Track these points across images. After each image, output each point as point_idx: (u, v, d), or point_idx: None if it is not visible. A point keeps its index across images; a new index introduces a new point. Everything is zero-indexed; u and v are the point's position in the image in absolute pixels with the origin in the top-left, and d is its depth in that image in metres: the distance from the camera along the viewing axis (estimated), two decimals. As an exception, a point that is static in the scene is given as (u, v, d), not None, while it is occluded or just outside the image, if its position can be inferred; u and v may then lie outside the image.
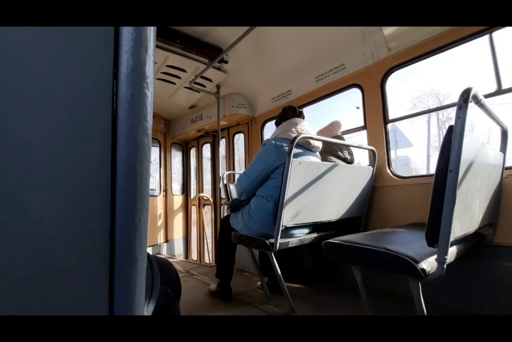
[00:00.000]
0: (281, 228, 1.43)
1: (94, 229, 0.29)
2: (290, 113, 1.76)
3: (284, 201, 1.40)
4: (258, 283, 2.01)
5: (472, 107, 0.89)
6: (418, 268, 0.91)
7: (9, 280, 0.24)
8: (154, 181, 3.90)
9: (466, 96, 0.86)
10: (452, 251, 1.04)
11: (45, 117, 0.26)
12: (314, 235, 1.68)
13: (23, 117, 0.24)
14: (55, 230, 0.27)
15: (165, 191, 4.00)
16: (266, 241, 1.47)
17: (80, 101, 0.28)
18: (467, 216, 1.05)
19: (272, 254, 1.50)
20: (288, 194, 1.41)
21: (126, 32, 0.28)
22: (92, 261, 0.29)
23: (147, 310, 0.59)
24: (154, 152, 3.92)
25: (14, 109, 0.24)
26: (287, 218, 1.46)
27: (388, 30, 1.86)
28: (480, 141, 1.06)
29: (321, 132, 2.12)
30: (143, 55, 0.30)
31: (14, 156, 0.24)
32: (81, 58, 0.28)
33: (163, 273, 0.67)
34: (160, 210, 3.90)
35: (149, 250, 3.65)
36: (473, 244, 1.30)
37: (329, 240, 1.21)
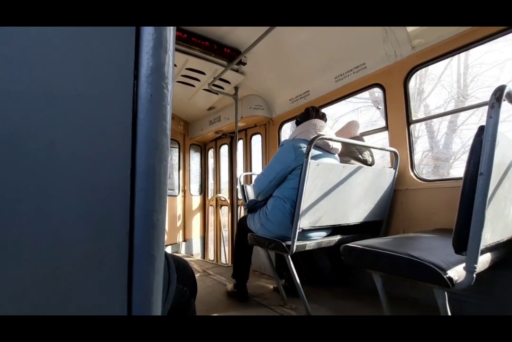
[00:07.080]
0: (298, 230, 1.41)
1: (114, 227, 0.30)
2: (313, 114, 1.72)
3: (301, 203, 1.38)
4: (274, 285, 1.99)
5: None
6: (445, 276, 0.86)
7: (34, 274, 0.25)
8: (174, 181, 3.99)
9: (499, 94, 0.80)
10: (483, 260, 0.97)
11: (68, 117, 0.27)
12: (333, 238, 1.64)
13: (47, 118, 0.25)
14: (76, 227, 0.27)
15: (184, 191, 4.08)
16: (283, 243, 1.45)
17: (101, 102, 0.28)
18: (500, 222, 0.98)
19: (289, 256, 1.48)
20: (306, 196, 1.38)
21: (147, 33, 0.29)
22: (112, 258, 0.30)
23: (164, 307, 0.59)
24: (174, 153, 4.01)
25: (38, 110, 0.25)
26: (305, 220, 1.43)
27: (412, 27, 1.78)
28: None
29: (338, 133, 2.06)
30: (163, 56, 0.30)
31: (39, 155, 0.25)
32: (104, 60, 0.28)
33: (179, 271, 0.68)
34: (179, 209, 3.98)
35: (169, 249, 3.74)
36: (507, 252, 1.21)
37: (348, 244, 1.18)
